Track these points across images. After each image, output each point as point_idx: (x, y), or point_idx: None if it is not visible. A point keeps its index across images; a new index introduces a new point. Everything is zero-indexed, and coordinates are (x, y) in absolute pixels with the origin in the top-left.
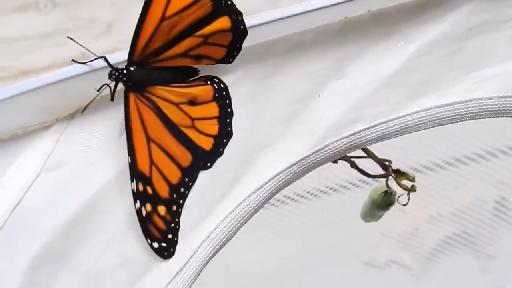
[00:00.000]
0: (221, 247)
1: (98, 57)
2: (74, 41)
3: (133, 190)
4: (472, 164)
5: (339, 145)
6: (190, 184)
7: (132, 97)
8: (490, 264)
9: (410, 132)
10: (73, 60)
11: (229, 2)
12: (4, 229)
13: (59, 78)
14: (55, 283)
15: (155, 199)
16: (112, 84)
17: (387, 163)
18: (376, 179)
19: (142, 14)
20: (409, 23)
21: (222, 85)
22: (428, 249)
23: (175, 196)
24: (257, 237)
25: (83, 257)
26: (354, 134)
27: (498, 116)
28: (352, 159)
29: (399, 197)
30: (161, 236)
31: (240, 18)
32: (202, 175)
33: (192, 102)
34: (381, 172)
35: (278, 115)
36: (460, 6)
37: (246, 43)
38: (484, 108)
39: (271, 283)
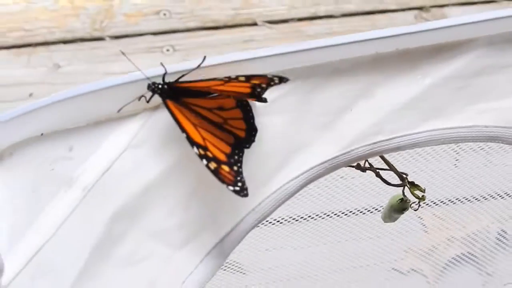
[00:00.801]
0: (262, 220)
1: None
2: (126, 56)
3: (196, 154)
4: (482, 202)
5: (362, 151)
6: (241, 154)
7: (169, 102)
8: (489, 279)
9: (420, 147)
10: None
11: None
12: (94, 189)
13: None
14: (126, 236)
15: (217, 161)
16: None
17: (404, 175)
18: (395, 188)
19: (202, 80)
20: (427, 61)
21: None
22: (443, 263)
23: (232, 160)
24: (298, 242)
25: (151, 218)
26: (375, 143)
27: (491, 142)
28: (377, 170)
29: (411, 204)
30: (234, 183)
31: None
32: (251, 163)
33: (221, 108)
34: (399, 182)
35: (316, 122)
36: (470, 51)
37: (297, 64)
38: (481, 133)
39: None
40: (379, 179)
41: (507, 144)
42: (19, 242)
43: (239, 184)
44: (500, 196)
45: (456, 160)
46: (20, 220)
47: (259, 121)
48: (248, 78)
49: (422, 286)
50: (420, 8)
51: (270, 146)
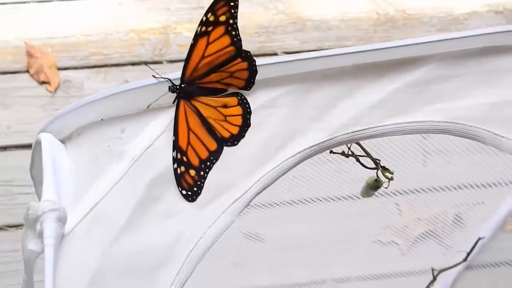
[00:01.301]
0: (264, 189)
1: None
2: (149, 67)
3: (173, 157)
4: (443, 192)
5: (343, 138)
6: (214, 161)
7: (182, 102)
8: (447, 250)
9: (387, 136)
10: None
11: (248, 54)
12: (139, 160)
13: None
14: (162, 197)
15: (188, 165)
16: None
17: (377, 160)
18: (370, 170)
19: (189, 52)
20: (394, 71)
21: (243, 97)
22: (413, 238)
23: (203, 166)
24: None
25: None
26: (353, 132)
27: (442, 133)
28: (357, 156)
29: (383, 183)
30: (189, 188)
31: (254, 63)
32: (258, 143)
33: (225, 106)
34: (373, 166)
35: (308, 115)
36: (426, 64)
37: (294, 70)
38: (434, 127)
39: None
40: (359, 169)
41: (454, 135)
42: (80, 200)
43: (194, 189)
44: (455, 188)
45: (424, 161)
46: (82, 184)
47: (265, 113)
48: (212, 10)
49: (397, 255)
50: None
51: (273, 131)
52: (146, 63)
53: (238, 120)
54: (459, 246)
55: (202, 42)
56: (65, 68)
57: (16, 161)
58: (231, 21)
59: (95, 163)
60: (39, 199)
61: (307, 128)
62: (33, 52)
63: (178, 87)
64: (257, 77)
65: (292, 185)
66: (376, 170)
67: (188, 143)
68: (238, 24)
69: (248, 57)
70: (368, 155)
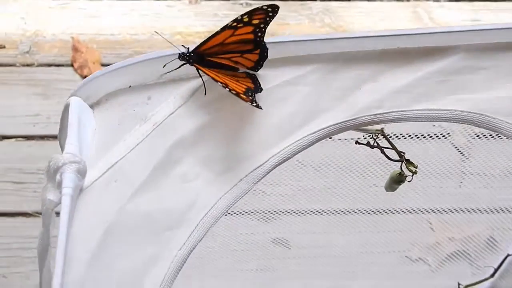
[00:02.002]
0: (282, 163)
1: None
2: (162, 36)
3: (227, 89)
4: (478, 213)
5: (366, 119)
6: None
7: (196, 65)
8: (477, 271)
9: (409, 121)
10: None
11: (263, 43)
12: (162, 125)
13: None
14: (181, 161)
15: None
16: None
17: (402, 153)
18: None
19: (211, 36)
20: (420, 59)
21: (251, 73)
22: (443, 256)
23: (249, 93)
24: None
25: (201, 150)
26: (375, 114)
27: (464, 124)
28: (382, 148)
29: (407, 177)
30: (251, 102)
31: (266, 50)
32: (278, 118)
33: (235, 76)
34: (398, 159)
35: (332, 95)
36: (453, 54)
37: (322, 50)
38: (456, 116)
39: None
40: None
41: (476, 126)
42: (102, 157)
43: (254, 103)
44: (492, 211)
45: (460, 182)
46: (105, 143)
47: (290, 89)
48: (250, 15)
49: (425, 271)
50: None
51: (296, 107)
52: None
53: (250, 85)
54: (488, 266)
55: (227, 32)
56: (109, 65)
57: (53, 151)
58: (262, 26)
59: (119, 125)
60: None
61: (330, 107)
62: (79, 46)
63: (187, 54)
64: (286, 54)
65: (323, 195)
66: (400, 163)
67: (229, 81)
68: (285, 35)
69: (261, 45)
70: (393, 147)
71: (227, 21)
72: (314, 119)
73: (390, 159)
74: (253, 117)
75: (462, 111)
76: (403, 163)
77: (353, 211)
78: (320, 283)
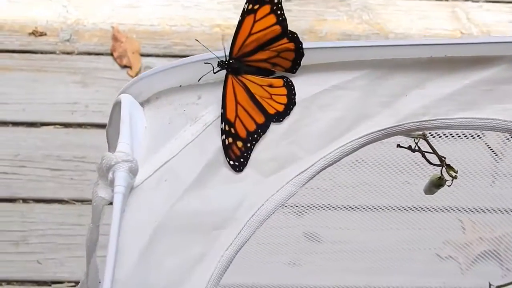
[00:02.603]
0: (329, 166)
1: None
2: (200, 43)
3: (221, 128)
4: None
5: (411, 125)
6: (261, 134)
7: (230, 77)
8: (508, 273)
9: (454, 129)
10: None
11: (295, 35)
12: (212, 125)
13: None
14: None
15: (236, 137)
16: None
17: (443, 158)
18: (435, 166)
19: (237, 29)
20: (467, 67)
21: (289, 80)
22: (474, 256)
23: (250, 138)
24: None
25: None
26: (421, 121)
27: (507, 132)
28: (423, 152)
29: (446, 181)
30: (236, 159)
31: (300, 45)
32: (326, 123)
33: (271, 86)
34: (438, 163)
35: (378, 101)
36: (499, 64)
37: (370, 56)
38: (500, 125)
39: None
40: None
41: None
42: (153, 156)
43: (241, 160)
44: None
45: (493, 182)
46: (155, 142)
47: (338, 94)
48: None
49: (455, 270)
50: None
51: (343, 112)
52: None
53: (283, 99)
54: None
55: (249, 19)
56: (148, 55)
57: (90, 139)
58: (275, 1)
59: (169, 125)
60: None
61: (376, 113)
62: (119, 36)
63: (226, 62)
64: (335, 59)
65: (357, 192)
66: (440, 168)
67: (236, 115)
68: (322, 30)
69: (294, 38)
70: (434, 151)
71: None
72: (360, 124)
73: (431, 163)
74: (298, 120)
75: (505, 121)
76: (444, 167)
77: (386, 208)
78: (351, 279)
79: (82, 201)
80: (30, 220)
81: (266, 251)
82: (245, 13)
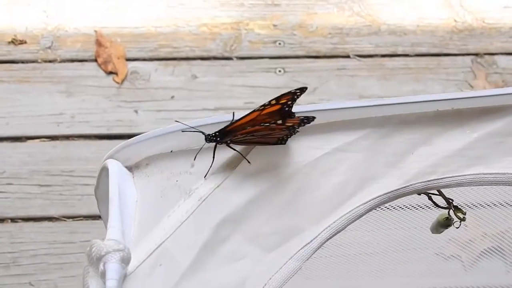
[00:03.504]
0: (334, 235)
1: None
2: (181, 122)
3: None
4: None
5: (419, 186)
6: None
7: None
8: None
9: (464, 187)
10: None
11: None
12: (207, 199)
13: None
14: (229, 238)
15: None
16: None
17: (450, 200)
18: (442, 209)
19: (239, 119)
20: (475, 119)
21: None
22: (477, 253)
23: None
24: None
25: (250, 225)
26: (429, 180)
27: None
28: (429, 195)
29: (454, 222)
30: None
31: (288, 136)
32: (330, 188)
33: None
34: (446, 205)
35: (384, 161)
36: (509, 115)
37: (372, 114)
38: None
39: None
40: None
41: None
42: (145, 237)
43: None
44: None
45: None
46: (148, 220)
47: (340, 157)
48: (278, 98)
49: (459, 269)
50: (476, 54)
51: (347, 176)
52: (216, 58)
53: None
54: None
55: (254, 113)
56: (134, 59)
57: (78, 151)
58: (289, 103)
59: (162, 199)
60: (103, 220)
61: (381, 174)
62: (103, 41)
63: (214, 135)
64: (335, 119)
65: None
66: (447, 210)
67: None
68: (313, 25)
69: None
70: (440, 194)
71: (254, 10)
72: (365, 187)
73: (438, 206)
74: (300, 188)
75: None
76: (451, 210)
77: (386, 208)
78: (353, 284)
79: (73, 217)
80: (20, 240)
81: None
82: (253, 111)
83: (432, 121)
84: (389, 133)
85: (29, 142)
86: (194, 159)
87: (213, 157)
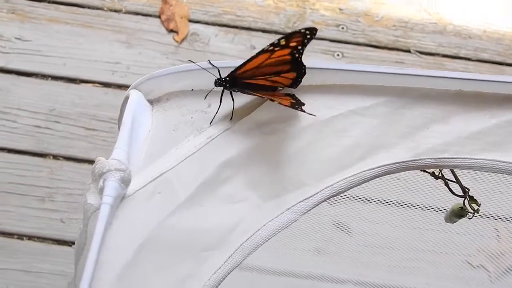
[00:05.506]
0: (336, 195)
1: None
2: (194, 63)
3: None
4: None
5: (428, 162)
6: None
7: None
8: None
9: (474, 170)
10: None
11: (299, 60)
12: (216, 139)
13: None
14: (230, 180)
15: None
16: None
17: (467, 189)
18: (457, 197)
19: (246, 61)
20: (496, 105)
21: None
22: (505, 267)
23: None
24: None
25: (252, 172)
26: (440, 158)
27: None
28: (447, 181)
29: (468, 212)
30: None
31: (303, 67)
32: (339, 149)
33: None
34: (461, 194)
35: (398, 131)
36: None
37: (394, 83)
38: None
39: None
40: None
41: None
42: (150, 165)
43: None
44: None
45: None
46: (156, 149)
47: (354, 120)
48: (287, 38)
49: (485, 280)
50: None
51: (357, 140)
52: (277, 32)
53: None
54: None
55: (264, 56)
56: (196, 21)
57: None
58: (299, 47)
59: (174, 132)
60: None
61: (393, 144)
62: None
63: (223, 79)
64: (355, 82)
65: (391, 186)
66: (463, 199)
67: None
68: (379, 14)
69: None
70: (458, 182)
71: None
72: (375, 154)
73: (454, 193)
74: (309, 143)
75: None
76: (466, 199)
77: (419, 206)
78: (371, 274)
79: None
80: (58, 177)
81: (291, 236)
82: (263, 51)
83: (452, 99)
84: (407, 105)
85: (83, 85)
86: (205, 98)
87: (220, 102)
